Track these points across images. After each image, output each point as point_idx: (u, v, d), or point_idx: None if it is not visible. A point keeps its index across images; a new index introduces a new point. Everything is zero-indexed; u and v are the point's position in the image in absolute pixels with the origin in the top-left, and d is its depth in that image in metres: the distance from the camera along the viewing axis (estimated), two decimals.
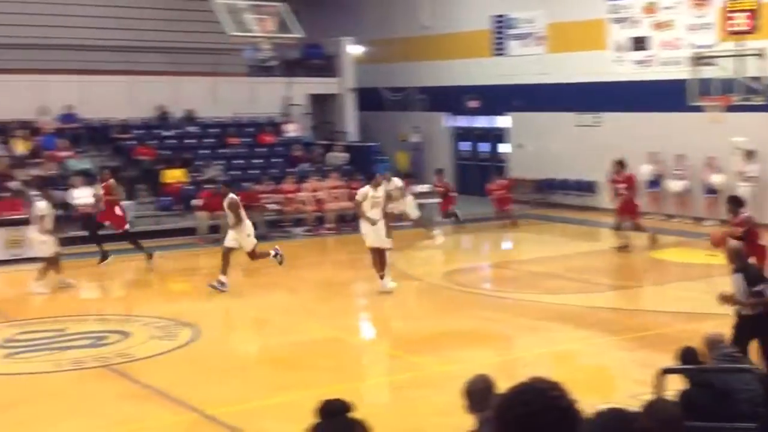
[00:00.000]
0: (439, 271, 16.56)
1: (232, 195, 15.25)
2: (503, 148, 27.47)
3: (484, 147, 28.51)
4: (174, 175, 22.36)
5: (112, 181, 17.98)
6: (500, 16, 26.71)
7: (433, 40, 28.24)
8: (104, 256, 17.31)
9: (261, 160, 24.70)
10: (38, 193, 16.48)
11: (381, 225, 14.60)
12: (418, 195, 22.82)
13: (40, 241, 15.30)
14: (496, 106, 26.91)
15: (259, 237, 20.86)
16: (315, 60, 28.79)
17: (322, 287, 16.47)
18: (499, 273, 18.10)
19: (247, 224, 15.21)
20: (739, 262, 9.04)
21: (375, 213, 14.57)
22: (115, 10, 25.75)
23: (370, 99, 28.98)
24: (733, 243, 9.85)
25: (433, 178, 23.72)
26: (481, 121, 28.36)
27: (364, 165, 24.79)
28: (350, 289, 16.67)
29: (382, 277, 14.68)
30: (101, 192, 17.89)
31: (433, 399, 9.28)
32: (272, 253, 15.45)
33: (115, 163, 23.00)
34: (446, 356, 11.09)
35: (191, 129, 25.30)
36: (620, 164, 18.75)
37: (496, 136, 27.91)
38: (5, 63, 22.87)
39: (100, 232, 17.75)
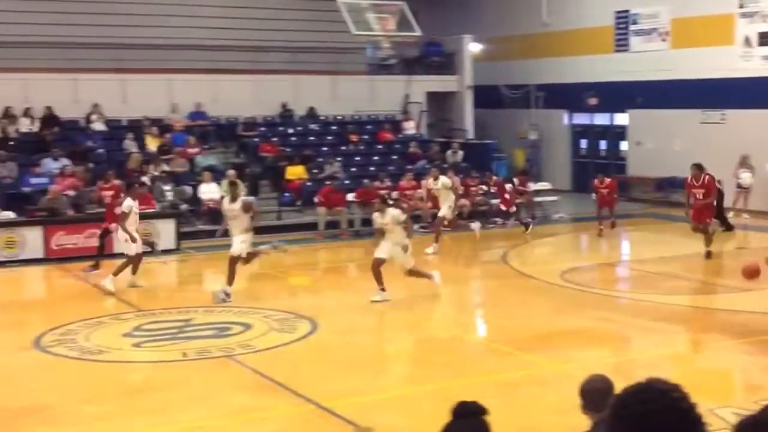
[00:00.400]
0: (555, 270, 16.45)
1: (244, 197, 14.50)
2: (624, 145, 27.04)
3: (603, 145, 28.13)
4: (295, 172, 22.91)
5: (117, 182, 17.04)
6: (623, 11, 26.29)
7: (553, 36, 28.01)
8: (96, 265, 16.61)
9: (379, 158, 25.03)
10: (128, 190, 16.07)
11: (400, 248, 13.70)
12: (536, 193, 22.76)
13: (124, 239, 14.96)
14: (616, 104, 26.50)
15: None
16: (434, 58, 28.96)
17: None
18: (616, 272, 17.87)
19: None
20: None
21: (390, 237, 13.81)
22: (242, 11, 26.51)
23: (487, 96, 28.94)
24: None
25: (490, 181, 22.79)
26: (601, 119, 27.97)
27: (481, 162, 24.86)
28: (466, 286, 16.78)
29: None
30: (110, 194, 16.87)
31: (548, 397, 9.29)
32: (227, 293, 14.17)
33: (240, 160, 23.78)
34: (561, 355, 11.05)
35: (313, 126, 25.84)
36: (698, 168, 17.51)
37: (616, 133, 27.48)
38: (140, 63, 23.85)
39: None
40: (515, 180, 23.43)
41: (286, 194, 22.33)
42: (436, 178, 19.19)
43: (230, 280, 14.04)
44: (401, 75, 27.60)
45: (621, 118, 26.96)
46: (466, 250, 19.81)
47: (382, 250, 13.74)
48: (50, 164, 20.98)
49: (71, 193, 19.84)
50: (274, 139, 24.47)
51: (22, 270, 16.93)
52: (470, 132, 28.44)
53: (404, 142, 25.79)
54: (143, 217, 18.86)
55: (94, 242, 18.33)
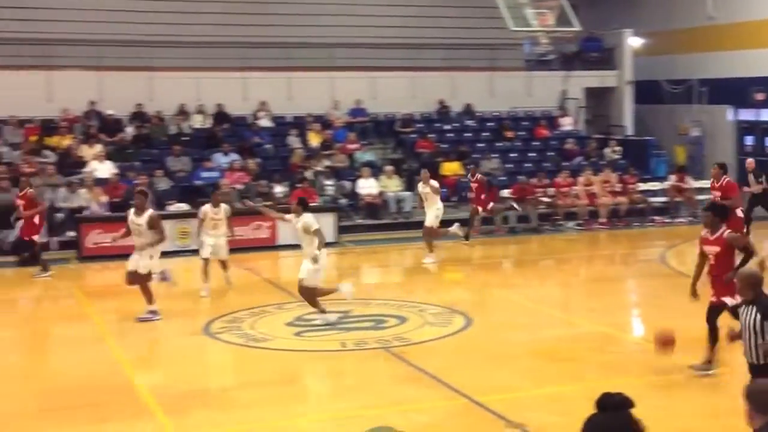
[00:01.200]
0: None
1: (152, 210, 13.37)
2: None
3: None
4: (451, 168, 23.19)
5: (31, 191, 16.94)
6: None
7: (718, 29, 27.12)
8: (44, 267, 16.61)
9: (535, 154, 24.98)
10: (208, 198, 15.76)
11: (309, 260, 12.45)
12: (698, 191, 22.15)
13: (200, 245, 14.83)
14: None
15: (532, 230, 21.30)
16: (593, 53, 28.57)
17: (593, 282, 16.57)
18: None
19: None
20: (751, 291, 7.11)
21: (303, 246, 12.74)
22: (399, 9, 26.93)
23: (647, 92, 28.33)
24: (746, 270, 7.98)
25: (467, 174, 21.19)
26: None
27: (639, 159, 24.43)
28: (622, 285, 16.62)
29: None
30: (22, 203, 16.72)
31: (702, 401, 9.18)
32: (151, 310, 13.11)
33: (397, 156, 24.25)
34: (720, 358, 10.85)
35: (469, 123, 26.03)
36: (721, 168, 15.99)
37: None
38: (304, 61, 24.66)
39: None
40: (673, 177, 22.95)
41: (442, 190, 22.58)
42: (426, 181, 17.76)
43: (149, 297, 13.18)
44: (559, 71, 27.40)
45: None
46: (623, 249, 19.59)
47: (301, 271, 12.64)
48: (220, 159, 22.04)
49: (240, 186, 20.83)
50: (431, 135, 24.81)
51: (194, 260, 17.84)
52: (629, 128, 27.93)
53: (561, 139, 25.62)
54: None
55: (262, 234, 19.25)
